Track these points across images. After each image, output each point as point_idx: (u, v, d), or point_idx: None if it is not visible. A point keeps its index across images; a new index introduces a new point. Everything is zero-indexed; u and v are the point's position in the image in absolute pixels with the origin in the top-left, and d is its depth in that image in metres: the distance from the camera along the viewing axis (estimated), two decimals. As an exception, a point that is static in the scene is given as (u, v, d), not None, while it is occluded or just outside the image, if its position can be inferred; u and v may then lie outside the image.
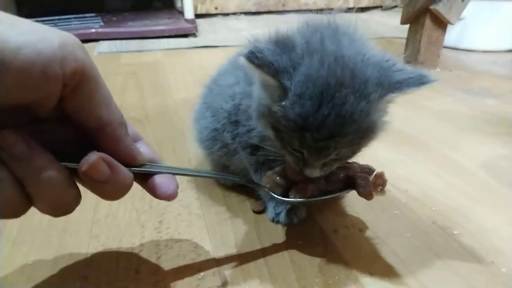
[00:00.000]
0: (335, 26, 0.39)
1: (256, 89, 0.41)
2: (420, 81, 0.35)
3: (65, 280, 0.41)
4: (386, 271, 0.42)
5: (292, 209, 0.49)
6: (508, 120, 0.82)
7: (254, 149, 0.47)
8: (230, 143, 0.50)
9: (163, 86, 1.07)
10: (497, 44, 1.42)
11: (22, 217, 0.31)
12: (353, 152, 0.40)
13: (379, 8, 2.46)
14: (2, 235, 0.47)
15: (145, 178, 0.36)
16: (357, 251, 0.45)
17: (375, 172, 0.43)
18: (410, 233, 0.48)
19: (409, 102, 0.86)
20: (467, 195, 0.56)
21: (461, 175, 0.61)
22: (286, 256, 0.44)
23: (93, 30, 1.63)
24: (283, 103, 0.36)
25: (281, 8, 2.33)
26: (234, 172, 0.55)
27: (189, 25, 1.73)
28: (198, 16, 2.05)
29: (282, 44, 0.37)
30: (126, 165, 0.33)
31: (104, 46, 1.54)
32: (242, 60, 0.36)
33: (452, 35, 1.37)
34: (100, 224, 0.50)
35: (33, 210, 0.31)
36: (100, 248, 0.45)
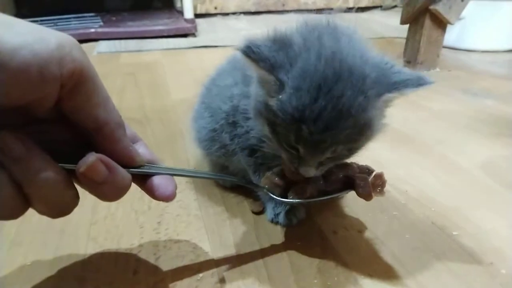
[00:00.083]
0: (334, 26, 0.39)
1: (254, 88, 0.41)
2: (417, 83, 0.35)
3: (64, 281, 0.41)
4: (385, 272, 0.42)
5: (291, 210, 0.49)
6: (508, 121, 0.82)
7: (253, 150, 0.47)
8: (228, 144, 0.50)
9: (162, 86, 1.07)
10: (497, 44, 1.42)
11: (20, 218, 0.31)
12: (350, 151, 0.39)
13: (379, 8, 2.46)
14: (0, 236, 0.47)
15: (143, 179, 0.36)
16: (356, 252, 0.45)
17: (374, 173, 0.43)
18: (409, 234, 0.48)
19: (408, 102, 0.86)
20: (466, 195, 0.56)
21: (460, 175, 0.61)
22: (285, 257, 0.44)
23: (92, 30, 1.63)
24: (280, 96, 0.36)
25: (280, 8, 2.33)
26: (233, 173, 0.55)
27: (188, 25, 1.73)
28: (197, 16, 2.05)
29: (280, 42, 0.37)
30: (124, 166, 0.33)
31: (103, 46, 1.53)
32: (239, 54, 0.36)
33: (451, 35, 1.37)
34: (98, 225, 0.50)
35: (31, 211, 0.31)
36: (98, 249, 0.45)
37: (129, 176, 0.34)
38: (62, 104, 0.30)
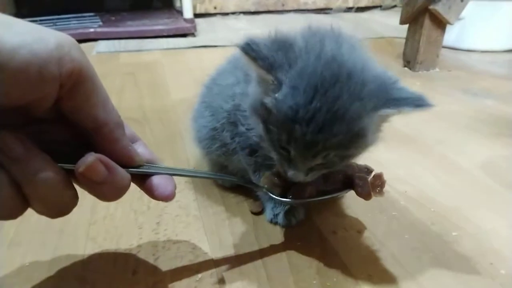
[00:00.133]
0: (338, 32, 0.39)
1: (252, 86, 0.41)
2: (417, 103, 0.35)
3: (62, 281, 0.41)
4: (384, 272, 0.42)
5: (291, 210, 0.49)
6: (508, 121, 0.82)
7: (253, 150, 0.47)
8: (229, 143, 0.50)
9: (161, 86, 1.07)
10: (497, 44, 1.42)
11: (19, 218, 0.31)
12: (341, 159, 0.38)
13: (379, 8, 2.46)
14: (-1, 236, 0.47)
15: (142, 179, 0.36)
16: (356, 252, 0.45)
17: (373, 173, 0.43)
18: (409, 234, 0.48)
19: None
20: (466, 196, 0.56)
21: (460, 176, 0.61)
22: (284, 257, 0.44)
23: (91, 30, 1.63)
24: (276, 95, 0.36)
25: (280, 8, 2.33)
26: (232, 172, 0.54)
27: (188, 25, 1.72)
28: (197, 15, 2.05)
29: (280, 42, 0.37)
30: (124, 166, 0.33)
31: (102, 45, 1.53)
32: (238, 51, 0.36)
33: (451, 35, 1.37)
34: (97, 225, 0.49)
35: (30, 211, 0.31)
36: (97, 249, 0.45)
37: (128, 176, 0.34)
38: (61, 104, 0.30)
